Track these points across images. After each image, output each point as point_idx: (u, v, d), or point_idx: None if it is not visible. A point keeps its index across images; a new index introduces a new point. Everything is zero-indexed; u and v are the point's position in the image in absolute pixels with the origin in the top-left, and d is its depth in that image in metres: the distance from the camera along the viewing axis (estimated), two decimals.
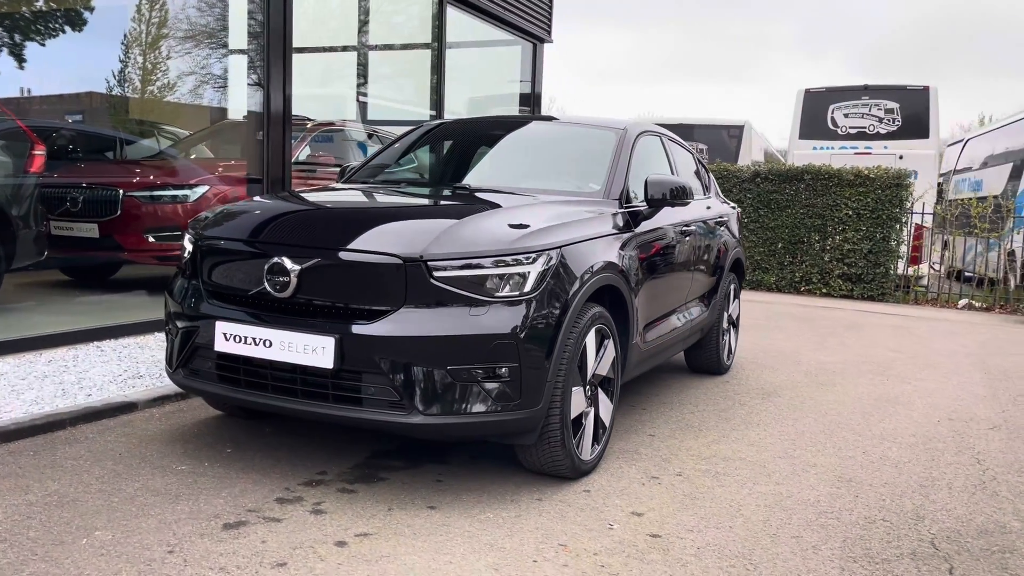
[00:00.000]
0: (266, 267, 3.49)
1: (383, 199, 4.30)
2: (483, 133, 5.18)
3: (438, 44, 9.24)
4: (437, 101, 9.34)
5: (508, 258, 3.44)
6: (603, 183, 4.50)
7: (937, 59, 65.00)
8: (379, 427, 3.45)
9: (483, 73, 11.59)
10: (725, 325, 6.23)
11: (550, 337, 3.46)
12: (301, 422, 4.39)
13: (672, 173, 5.43)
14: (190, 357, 3.75)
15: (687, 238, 5.20)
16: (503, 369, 3.36)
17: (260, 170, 7.01)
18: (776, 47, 77.86)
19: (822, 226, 13.23)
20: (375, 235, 3.55)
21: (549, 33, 11.22)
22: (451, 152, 5.12)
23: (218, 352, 3.58)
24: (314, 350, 3.37)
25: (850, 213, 13.06)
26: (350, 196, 4.47)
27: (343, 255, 3.44)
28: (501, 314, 3.37)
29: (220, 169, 7.82)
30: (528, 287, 3.43)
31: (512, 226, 3.64)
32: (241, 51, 7.86)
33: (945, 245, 15.30)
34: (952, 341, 8.88)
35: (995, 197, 15.60)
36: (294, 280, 3.44)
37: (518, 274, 3.43)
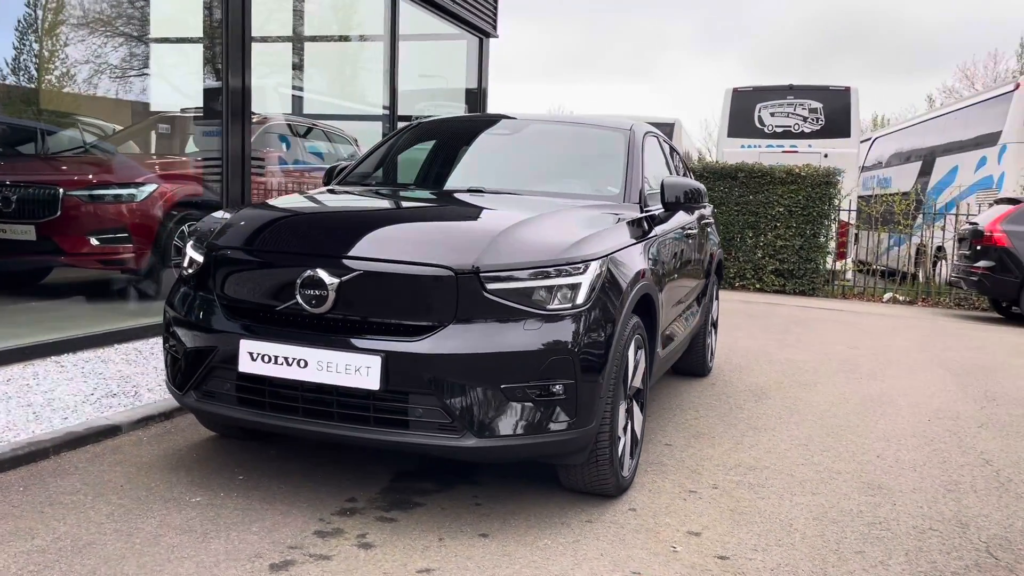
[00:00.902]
0: (299, 280, 3.20)
1: (407, 204, 4.04)
2: (481, 133, 4.96)
3: (391, 37, 8.91)
4: (392, 96, 9.02)
5: (561, 268, 3.26)
6: (621, 186, 4.36)
7: (831, 59, 67.75)
8: (428, 451, 3.22)
9: (428, 68, 11.29)
10: (708, 327, 6.20)
11: (603, 351, 3.29)
12: (306, 443, 4.10)
13: (670, 173, 5.34)
14: (204, 378, 3.42)
15: (689, 241, 5.12)
16: (558, 386, 3.18)
17: (221, 169, 6.59)
18: (675, 46, 79.68)
19: (755, 223, 13.49)
20: (421, 244, 3.31)
21: (495, 27, 11.00)
22: (451, 153, 4.88)
23: (241, 373, 3.28)
24: (357, 370, 3.11)
25: (782, 210, 13.36)
26: (368, 202, 4.19)
27: (388, 267, 3.19)
28: (556, 328, 3.18)
29: (170, 166, 7.34)
30: (580, 299, 3.25)
31: (560, 234, 3.45)
32: (191, 40, 7.39)
33: (855, 239, 15.86)
34: (899, 337, 9.13)
35: (918, 193, 16.25)
36: (332, 294, 3.17)
37: (569, 285, 3.25)
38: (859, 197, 16.88)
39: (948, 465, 4.43)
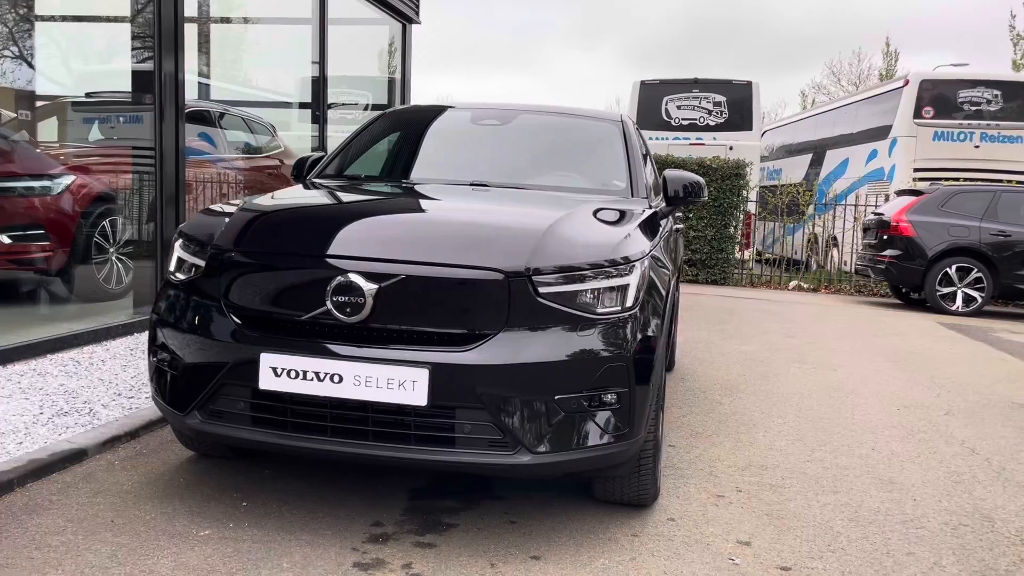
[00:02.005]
0: (331, 286, 2.88)
1: (426, 202, 3.72)
2: (466, 124, 4.67)
3: (320, 19, 8.44)
4: (319, 81, 8.55)
5: (610, 269, 3.06)
6: (626, 180, 4.20)
7: (703, 52, 70.08)
8: (476, 470, 2.97)
9: (349, 53, 10.80)
10: (675, 321, 6.14)
11: (652, 356, 3.12)
12: (301, 461, 3.75)
13: (646, 165, 5.21)
14: (211, 397, 3.04)
15: (677, 235, 5.02)
16: (611, 396, 2.98)
17: (155, 161, 6.04)
18: (553, 37, 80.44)
19: None
20: (465, 246, 3.04)
21: (417, 13, 10.64)
22: (439, 145, 4.57)
23: (261, 391, 2.92)
24: (401, 384, 2.82)
25: None
26: (380, 199, 3.85)
27: (433, 271, 2.91)
28: (609, 333, 2.98)
29: (89, 157, 6.69)
30: (629, 301, 3.07)
31: (602, 233, 3.25)
32: (104, 19, 6.76)
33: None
34: (825, 325, 9.40)
35: (809, 184, 16.87)
36: (369, 301, 2.86)
37: (618, 287, 3.06)
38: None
39: (941, 456, 4.50)
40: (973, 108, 14.86)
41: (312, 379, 2.87)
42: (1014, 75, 18.23)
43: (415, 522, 3.23)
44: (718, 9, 67.62)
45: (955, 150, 14.80)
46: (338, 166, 4.43)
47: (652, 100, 15.77)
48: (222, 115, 9.20)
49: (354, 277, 2.86)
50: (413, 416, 2.88)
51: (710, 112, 15.91)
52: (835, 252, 15.36)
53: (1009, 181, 13.90)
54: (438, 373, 2.81)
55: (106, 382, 4.69)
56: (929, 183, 12.79)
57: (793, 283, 14.25)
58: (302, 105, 9.48)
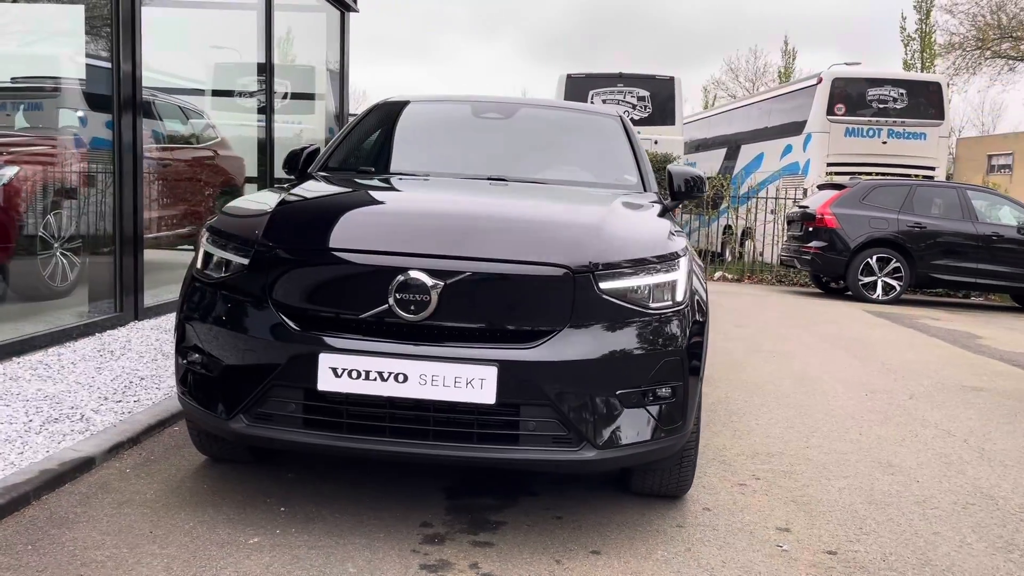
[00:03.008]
0: (394, 283, 2.80)
1: (466, 196, 3.64)
2: (468, 117, 4.61)
3: (266, 4, 8.16)
4: (267, 70, 8.27)
5: (661, 265, 3.09)
6: (636, 175, 4.23)
7: (600, 46, 71.30)
8: (539, 467, 2.96)
9: (283, 41, 10.47)
10: None
11: (701, 350, 3.17)
12: (322, 460, 3.65)
13: None
14: (259, 400, 2.92)
15: None
16: (667, 389, 3.02)
17: (113, 152, 5.73)
18: (451, 29, 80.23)
19: None
20: (528, 241, 3.01)
21: (355, 0, 10.41)
22: (445, 138, 4.48)
23: (320, 392, 2.83)
24: (469, 383, 2.78)
25: None
26: (414, 192, 3.75)
27: (499, 267, 2.87)
28: (664, 328, 3.02)
29: (35, 147, 6.28)
30: (679, 295, 3.10)
31: (649, 227, 3.28)
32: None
33: None
34: (765, 314, 9.72)
35: (730, 178, 17.37)
36: (434, 299, 2.80)
37: (669, 282, 3.09)
38: None
39: (923, 439, 4.73)
40: (881, 106, 15.61)
41: (375, 379, 2.79)
42: (917, 75, 19.25)
43: (463, 521, 3.18)
44: (614, 2, 68.77)
45: (865, 145, 15.52)
46: (341, 159, 4.30)
47: (579, 93, 15.91)
48: (150, 103, 8.78)
49: (419, 274, 2.80)
50: (476, 414, 2.84)
51: (635, 106, 16.18)
52: (751, 243, 15.89)
53: (917, 175, 14.67)
54: (506, 370, 2.78)
55: (86, 386, 4.43)
56: (850, 177, 13.36)
57: (718, 274, 14.68)
58: (242, 94, 9.16)
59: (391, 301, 2.81)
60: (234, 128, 9.86)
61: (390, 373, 2.79)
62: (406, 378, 2.78)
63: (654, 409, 2.99)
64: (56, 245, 6.24)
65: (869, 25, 63.27)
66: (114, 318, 5.75)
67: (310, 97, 11.20)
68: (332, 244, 2.97)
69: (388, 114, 4.65)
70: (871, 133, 15.53)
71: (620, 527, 3.22)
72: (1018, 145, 48.33)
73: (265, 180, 8.46)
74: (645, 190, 4.12)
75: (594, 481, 3.62)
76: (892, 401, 5.60)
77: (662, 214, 3.66)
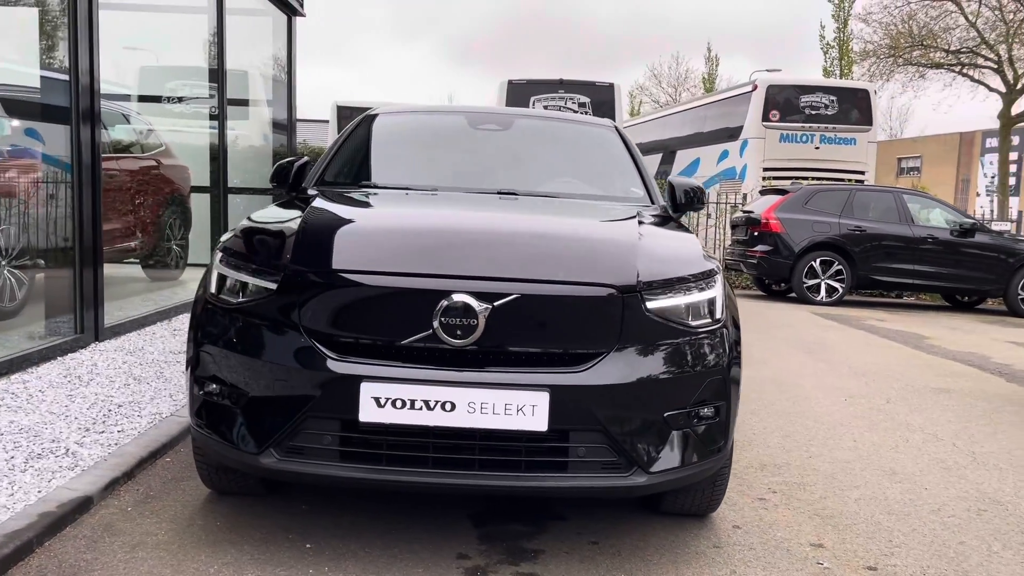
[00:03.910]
0: (440, 307, 2.67)
1: (494, 213, 3.50)
2: (465, 128, 4.47)
3: (218, 9, 7.84)
4: (220, 76, 7.95)
5: (701, 282, 3.03)
6: (642, 187, 4.17)
7: (521, 51, 71.75)
8: (588, 494, 2.86)
9: (208, 44, 10.02)
10: None
11: (740, 367, 3.12)
12: (336, 492, 3.47)
13: None
14: (292, 432, 2.74)
15: None
16: (710, 409, 2.96)
17: (72, 164, 5.39)
18: (369, 30, 79.52)
19: None
20: (574, 260, 2.91)
21: (302, 5, 10.12)
22: (444, 151, 4.32)
23: (363, 423, 2.67)
24: (520, 409, 2.66)
25: None
26: (437, 208, 3.60)
27: (548, 288, 2.77)
28: (707, 347, 2.96)
29: None
30: (717, 313, 3.05)
31: (683, 245, 3.22)
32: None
33: None
34: None
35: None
36: (481, 322, 2.67)
37: (707, 300, 3.04)
38: None
39: (915, 444, 4.80)
40: (813, 112, 16.02)
41: (421, 408, 2.65)
42: (847, 82, 19.82)
43: (499, 551, 3.06)
44: (533, 7, 69.18)
45: (799, 151, 15.90)
46: (337, 173, 4.12)
47: (520, 99, 15.86)
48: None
49: (466, 297, 2.67)
50: (524, 442, 2.73)
51: (576, 112, 16.22)
52: None
53: (849, 180, 15.10)
54: (557, 395, 2.68)
55: (61, 416, 4.14)
56: (791, 183, 13.65)
57: None
58: (182, 99, 8.80)
59: (436, 325, 2.68)
60: (177, 135, 9.48)
61: (436, 402, 2.65)
62: (454, 406, 2.65)
63: (700, 430, 2.93)
64: (3, 262, 5.86)
65: (783, 33, 65.21)
66: (73, 340, 5.41)
67: (244, 103, 10.85)
68: (370, 267, 2.81)
69: (380, 126, 4.48)
70: (804, 139, 15.92)
71: (659, 550, 3.15)
72: (925, 148, 50.49)
73: (218, 189, 8.12)
74: (652, 202, 4.07)
75: (618, 501, 3.54)
76: (872, 406, 5.69)
77: (684, 229, 3.61)
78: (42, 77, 5.90)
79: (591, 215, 3.61)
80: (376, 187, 3.87)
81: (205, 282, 3.10)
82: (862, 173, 16.09)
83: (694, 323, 2.96)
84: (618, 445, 2.76)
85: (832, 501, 3.79)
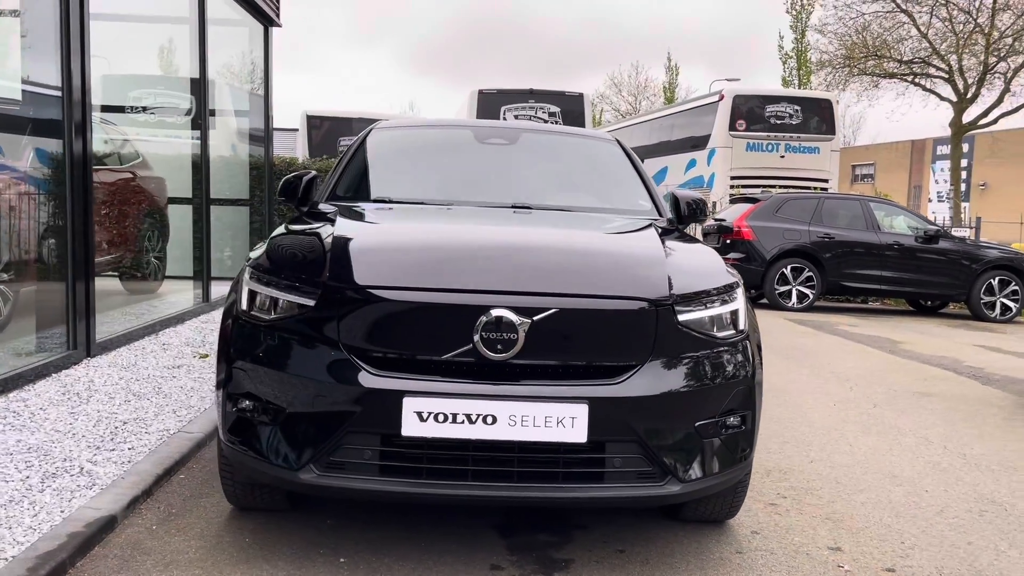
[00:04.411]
0: (480, 322, 2.71)
1: (522, 227, 3.54)
2: (470, 141, 4.50)
3: (200, 18, 7.79)
4: (202, 87, 7.89)
5: (725, 294, 3.11)
6: (649, 200, 4.25)
7: (478, 58, 72.11)
8: (623, 504, 2.94)
9: (164, 51, 9.88)
10: None
11: (762, 377, 3.21)
12: (359, 505, 3.48)
13: None
14: (332, 448, 2.76)
15: None
16: (737, 418, 3.04)
17: (65, 174, 5.33)
18: (328, 36, 79.25)
19: None
20: (608, 274, 2.98)
21: (278, 15, 10.08)
22: (452, 164, 4.35)
23: (405, 437, 2.70)
24: (560, 422, 2.72)
25: None
26: (468, 224, 3.62)
27: (585, 302, 2.82)
28: (733, 357, 3.04)
29: None
30: (741, 324, 3.14)
31: (706, 257, 3.30)
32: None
33: None
34: None
35: None
36: (522, 336, 2.72)
37: (731, 312, 3.12)
38: None
39: (908, 447, 4.94)
40: (778, 121, 16.35)
41: (463, 422, 2.69)
42: (810, 92, 20.21)
43: (530, 561, 3.10)
44: (491, 15, 69.46)
45: (765, 159, 16.21)
46: (348, 188, 4.14)
47: (490, 109, 15.96)
48: None
49: (506, 312, 2.72)
50: (563, 453, 2.78)
51: (546, 121, 16.34)
52: None
53: (815, 188, 15.42)
54: (596, 407, 2.74)
55: (67, 434, 4.09)
56: (760, 191, 13.90)
57: None
58: (164, 110, 8.70)
59: (476, 339, 2.72)
60: (153, 145, 9.37)
61: (478, 415, 2.69)
62: (495, 420, 2.69)
63: (728, 438, 3.01)
64: None
65: (740, 43, 66.27)
66: (66, 357, 5.34)
67: (222, 114, 10.77)
68: (409, 283, 2.84)
69: (387, 140, 4.51)
70: (770, 148, 16.23)
71: (684, 557, 3.21)
72: (878, 156, 51.66)
73: (200, 201, 8.05)
74: (660, 215, 4.15)
75: (639, 509, 3.60)
76: (861, 410, 5.84)
77: (695, 241, 3.70)
78: (29, 92, 5.81)
79: (611, 228, 3.68)
80: (391, 202, 3.90)
81: (234, 298, 3.10)
82: (826, 181, 16.45)
83: (720, 334, 3.04)
84: (653, 455, 2.82)
85: (840, 505, 3.89)
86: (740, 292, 3.20)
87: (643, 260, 3.13)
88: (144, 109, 10.03)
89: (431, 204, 3.88)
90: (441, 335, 2.76)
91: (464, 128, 4.71)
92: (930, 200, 41.93)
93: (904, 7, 27.35)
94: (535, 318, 2.74)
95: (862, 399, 6.21)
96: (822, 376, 7.07)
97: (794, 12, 28.34)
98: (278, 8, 10.02)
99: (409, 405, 2.68)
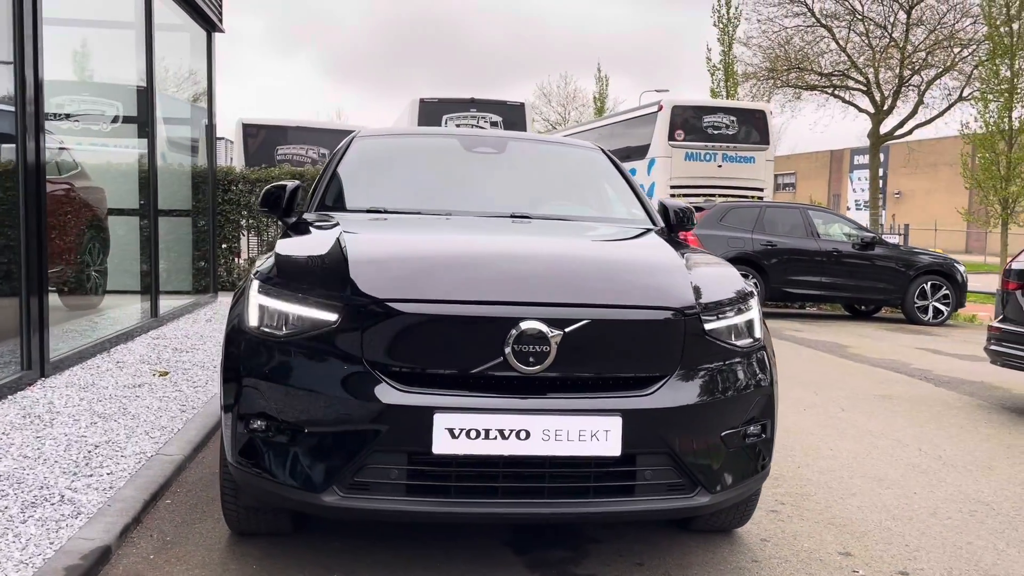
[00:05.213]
0: (512, 335, 2.63)
1: (538, 237, 3.47)
2: (458, 150, 4.40)
3: (147, 24, 7.50)
4: (149, 94, 7.60)
5: (741, 303, 3.11)
6: (641, 208, 4.23)
7: (401, 66, 71.81)
8: (653, 517, 2.89)
9: (78, 55, 9.47)
10: None
11: (777, 385, 3.21)
12: (368, 525, 3.36)
13: None
14: (357, 468, 2.64)
15: None
16: (758, 427, 3.03)
17: (17, 181, 5.04)
18: (247, 44, 77.95)
19: None
20: (635, 284, 2.94)
21: (221, 20, 9.80)
22: (443, 173, 4.24)
23: (435, 455, 2.60)
24: (594, 435, 2.66)
25: None
26: (480, 235, 3.52)
27: (616, 313, 2.77)
28: (754, 366, 3.03)
29: None
30: (757, 332, 3.13)
31: (721, 266, 3.30)
32: None
33: None
34: None
35: None
36: (554, 349, 2.65)
37: (748, 320, 3.12)
38: None
39: (884, 449, 5.04)
40: (715, 131, 16.66)
41: (495, 438, 2.61)
42: (745, 103, 20.64)
43: None
44: (414, 23, 69.33)
45: (703, 169, 16.48)
46: (337, 197, 4.01)
47: (432, 118, 15.83)
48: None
49: (537, 324, 2.65)
50: (594, 467, 2.72)
51: (488, 130, 16.31)
52: None
53: (753, 197, 15.75)
54: (629, 420, 2.69)
55: (37, 459, 3.85)
56: (704, 200, 14.11)
57: None
58: (121, 119, 8.35)
59: (507, 352, 2.64)
60: (95, 155, 8.98)
61: (511, 430, 2.61)
62: (529, 435, 2.62)
63: (751, 448, 3.00)
64: None
65: (666, 55, 67.59)
66: (20, 378, 5.04)
67: (164, 122, 10.40)
68: (437, 296, 2.74)
69: (373, 149, 4.38)
70: (708, 157, 16.52)
71: (704, 568, 3.19)
72: (799, 165, 53.25)
73: (148, 211, 7.74)
74: (653, 224, 4.14)
75: (650, 521, 3.56)
76: (830, 414, 5.94)
77: (699, 250, 3.69)
78: None
79: (619, 237, 3.64)
80: (386, 212, 3.78)
81: (240, 313, 2.95)
82: (761, 190, 16.82)
83: (739, 343, 3.03)
84: (684, 467, 2.78)
85: (838, 509, 3.93)
86: (755, 301, 3.19)
87: (666, 269, 3.10)
88: (76, 117, 9.61)
89: (428, 214, 3.78)
90: (471, 349, 2.67)
91: (450, 137, 4.63)
92: (848, 208, 43.36)
93: (824, 22, 28.32)
94: (567, 330, 2.67)
95: (829, 403, 6.32)
96: (786, 382, 7.12)
97: (721, 25, 28.95)
98: (221, 13, 9.75)
99: (440, 422, 2.58)
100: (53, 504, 3.34)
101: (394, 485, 2.66)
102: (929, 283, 12.80)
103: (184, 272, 9.81)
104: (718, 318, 2.95)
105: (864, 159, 40.11)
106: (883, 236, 14.82)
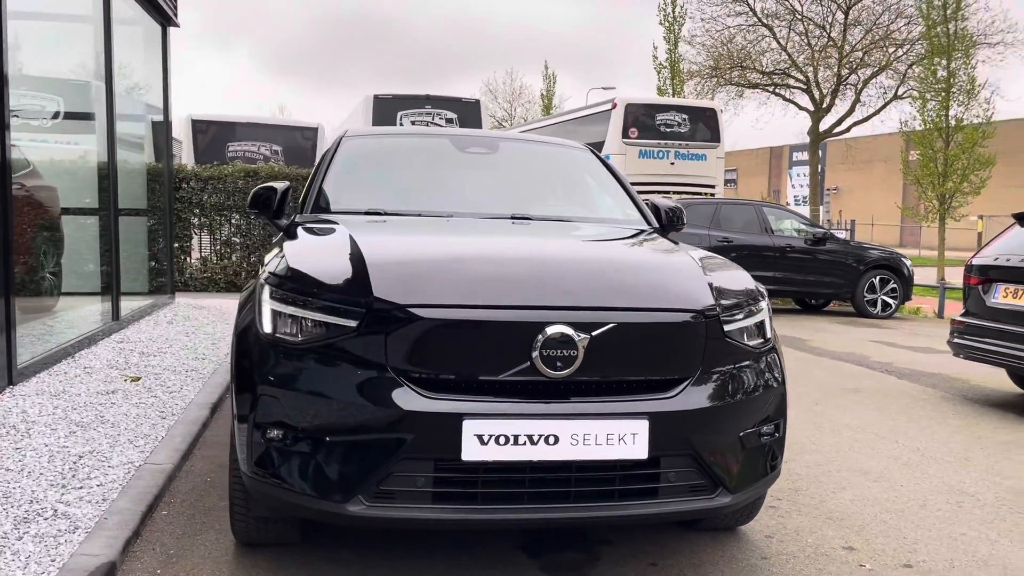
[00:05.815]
0: (539, 339, 2.61)
1: (549, 242, 3.44)
2: (451, 151, 4.34)
3: (105, 18, 7.26)
4: (108, 91, 7.35)
5: (753, 305, 3.13)
6: (635, 209, 4.24)
7: (342, 61, 71.08)
8: (676, 518, 2.91)
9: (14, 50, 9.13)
10: None
11: (786, 384, 3.24)
12: (376, 533, 3.31)
13: None
14: (383, 477, 2.60)
15: None
16: (772, 426, 3.07)
17: None
18: (178, 37, 76.39)
19: None
20: (657, 287, 2.94)
21: (176, 14, 9.53)
22: (438, 174, 4.17)
23: (464, 462, 2.57)
24: (621, 439, 2.65)
25: None
26: (492, 237, 3.49)
27: (641, 316, 2.77)
28: (768, 367, 3.06)
29: None
30: (768, 333, 3.17)
31: (731, 267, 3.32)
32: None
33: None
34: None
35: None
36: (581, 353, 2.64)
37: (760, 321, 3.15)
38: None
39: (864, 442, 5.15)
40: (667, 129, 16.82)
41: (524, 443, 2.59)
42: (696, 102, 20.89)
43: None
44: (353, 17, 68.63)
45: (656, 166, 16.63)
46: (332, 199, 3.92)
47: (387, 115, 15.67)
48: None
49: (564, 328, 2.63)
50: (619, 471, 2.72)
51: (443, 128, 16.21)
52: None
53: (706, 194, 15.96)
54: (656, 422, 2.69)
55: (21, 472, 3.70)
56: (664, 197, 14.22)
57: None
58: (65, 115, 8.06)
59: (535, 357, 2.62)
60: (46, 153, 8.66)
61: (540, 435, 2.59)
62: (557, 440, 2.60)
63: (766, 447, 3.03)
64: None
65: (609, 53, 68.13)
66: None
67: (87, 116, 10.09)
68: (462, 301, 2.69)
69: (364, 149, 4.31)
70: (661, 155, 16.68)
71: (716, 566, 3.22)
72: (740, 161, 54.10)
73: (108, 211, 7.50)
74: (648, 224, 4.15)
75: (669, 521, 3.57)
76: (806, 408, 6.05)
77: (699, 249, 3.72)
78: None
79: (628, 238, 3.65)
80: (385, 213, 3.72)
81: (251, 319, 2.87)
82: (712, 187, 17.05)
83: (752, 343, 3.05)
84: (706, 468, 2.80)
85: (832, 504, 4.00)
86: (766, 303, 3.23)
87: (685, 271, 3.11)
88: (27, 112, 9.25)
89: (428, 216, 3.73)
90: (498, 354, 2.64)
91: (441, 136, 4.58)
92: (788, 203, 44.25)
93: (765, 21, 28.86)
94: (594, 333, 2.66)
95: (802, 397, 6.43)
96: None
97: (667, 24, 29.26)
98: (176, 6, 9.49)
99: (469, 428, 2.55)
100: (47, 519, 3.22)
101: (420, 493, 2.62)
102: (878, 277, 13.13)
103: (139, 273, 9.54)
104: (735, 319, 2.97)
105: (803, 156, 41.04)
106: (833, 231, 15.15)
